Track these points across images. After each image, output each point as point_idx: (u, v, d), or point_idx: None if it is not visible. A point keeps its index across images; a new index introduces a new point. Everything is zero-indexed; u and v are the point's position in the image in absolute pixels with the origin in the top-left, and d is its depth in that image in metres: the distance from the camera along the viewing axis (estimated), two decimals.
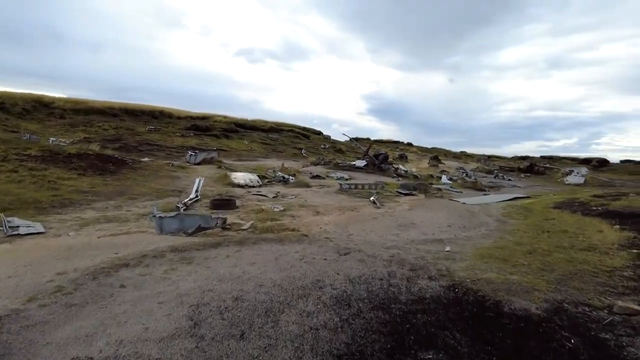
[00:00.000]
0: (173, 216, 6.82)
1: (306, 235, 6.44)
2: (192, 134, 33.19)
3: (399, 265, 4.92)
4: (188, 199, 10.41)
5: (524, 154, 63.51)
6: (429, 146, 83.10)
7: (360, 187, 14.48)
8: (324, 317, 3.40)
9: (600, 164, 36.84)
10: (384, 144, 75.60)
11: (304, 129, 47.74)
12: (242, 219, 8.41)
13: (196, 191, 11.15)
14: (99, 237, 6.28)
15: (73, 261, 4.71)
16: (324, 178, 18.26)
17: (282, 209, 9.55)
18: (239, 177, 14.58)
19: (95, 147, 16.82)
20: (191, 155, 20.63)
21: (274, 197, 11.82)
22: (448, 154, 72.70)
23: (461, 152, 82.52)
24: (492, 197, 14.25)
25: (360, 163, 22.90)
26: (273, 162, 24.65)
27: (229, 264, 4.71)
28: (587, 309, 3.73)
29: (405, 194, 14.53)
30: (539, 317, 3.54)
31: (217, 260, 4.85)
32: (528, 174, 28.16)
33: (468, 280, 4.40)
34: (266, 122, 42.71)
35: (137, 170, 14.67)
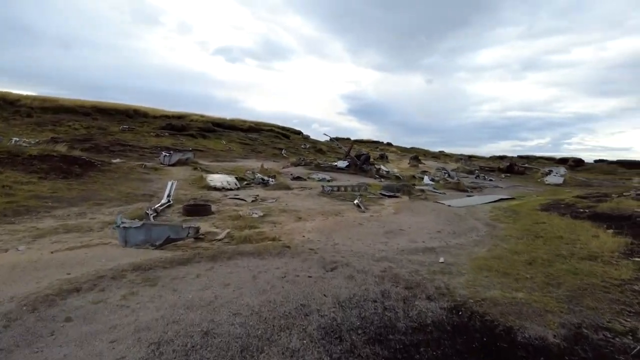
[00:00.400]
0: (139, 226, 6.11)
1: (288, 247, 5.85)
2: (167, 134, 32.01)
3: (392, 282, 4.41)
4: (159, 204, 9.66)
5: (499, 154, 64.68)
6: (408, 146, 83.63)
7: (343, 189, 13.97)
8: (312, 358, 2.84)
9: (576, 163, 37.61)
10: (364, 143, 75.61)
11: (284, 128, 47.01)
12: (217, 227, 7.75)
13: (168, 196, 10.40)
14: (52, 252, 5.52)
15: (12, 286, 3.99)
16: (305, 179, 17.69)
17: (261, 214, 8.93)
18: (216, 179, 13.84)
19: (61, 148, 15.74)
20: (165, 156, 19.69)
21: (252, 201, 11.17)
22: (427, 153, 73.30)
23: (440, 151, 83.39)
24: (477, 199, 13.99)
25: (342, 164, 22.43)
26: (252, 163, 23.90)
27: (199, 286, 4.09)
28: (609, 335, 3.30)
29: (389, 196, 14.11)
30: (559, 348, 3.08)
31: (186, 281, 4.22)
32: (508, 174, 28.34)
33: (471, 301, 3.92)
34: (245, 121, 41.78)
35: (106, 172, 13.73)
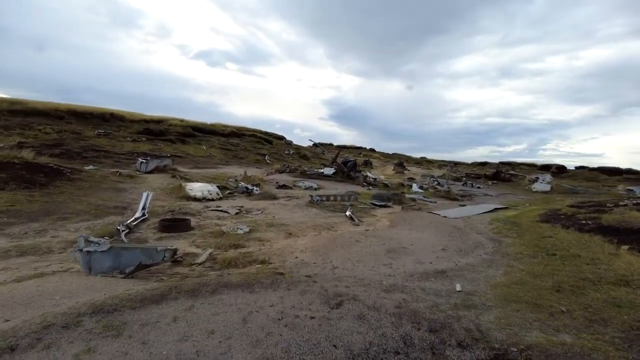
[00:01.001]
0: (106, 250, 5.19)
1: (281, 273, 5.04)
2: (144, 139, 30.64)
3: (412, 322, 3.66)
4: (132, 219, 8.68)
5: (477, 159, 65.32)
6: (390, 151, 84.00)
7: (332, 198, 13.22)
8: None
9: (559, 170, 38.00)
10: (347, 149, 75.40)
11: (267, 133, 46.08)
12: (197, 247, 6.87)
13: (143, 209, 9.41)
14: None
15: None
16: (291, 188, 16.86)
17: (247, 230, 8.07)
18: (196, 188, 12.87)
19: (27, 154, 14.45)
20: (142, 162, 18.55)
21: (236, 213, 10.28)
22: (409, 159, 73.58)
23: (421, 157, 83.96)
24: (471, 209, 13.46)
25: (329, 171, 21.70)
26: (234, 170, 22.92)
27: (176, 335, 3.24)
28: None
29: (380, 206, 13.45)
30: None
31: (160, 328, 3.35)
32: (495, 181, 28.18)
33: (514, 349, 3.19)
34: (226, 126, 40.65)
35: (75, 181, 12.58)
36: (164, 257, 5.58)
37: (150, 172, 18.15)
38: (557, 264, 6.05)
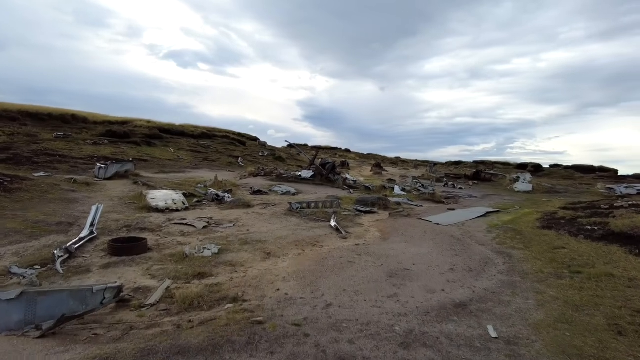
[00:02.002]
0: (15, 298, 3.75)
1: (260, 322, 3.75)
2: (106, 141, 28.44)
3: None
4: (76, 239, 7.15)
5: (449, 158, 65.79)
6: (365, 152, 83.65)
7: (313, 205, 11.97)
8: None
9: (536, 169, 38.17)
10: (322, 150, 74.38)
11: (240, 134, 44.36)
12: (153, 276, 5.47)
13: (91, 225, 7.88)
14: None
15: None
16: (266, 193, 15.49)
17: (215, 250, 6.70)
18: (158, 197, 11.33)
19: None
20: (100, 168, 16.76)
21: (204, 227, 8.86)
22: (385, 159, 73.36)
23: (396, 157, 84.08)
24: (462, 214, 12.53)
25: (307, 174, 20.42)
26: (204, 174, 21.32)
27: None
28: None
29: (365, 212, 12.32)
30: None
31: None
32: (476, 181, 27.67)
33: None
34: (197, 127, 38.68)
35: (13, 192, 10.79)
36: (104, 299, 4.18)
37: (110, 178, 16.40)
38: (593, 288, 5.03)
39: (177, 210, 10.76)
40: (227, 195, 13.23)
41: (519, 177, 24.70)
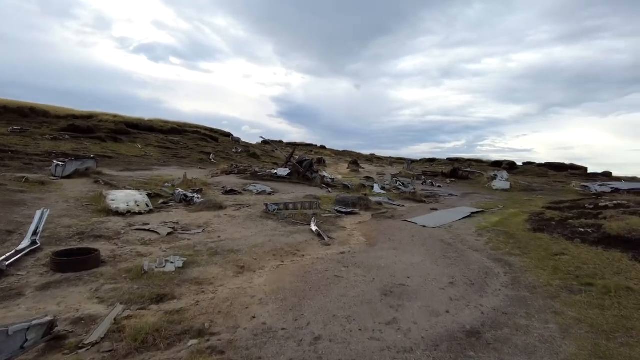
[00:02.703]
0: None
1: None
2: (67, 137, 26.54)
3: None
4: (12, 252, 6.03)
5: (421, 155, 66.30)
6: (340, 149, 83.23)
7: (291, 206, 11.12)
8: None
9: (510, 166, 38.62)
10: (298, 146, 73.42)
11: (212, 130, 42.75)
12: (101, 300, 4.49)
13: (34, 234, 6.75)
14: None
15: None
16: (240, 193, 14.51)
17: (180, 264, 5.75)
18: (119, 198, 10.17)
19: None
20: (57, 165, 15.28)
21: (169, 233, 7.85)
22: (360, 157, 73.15)
23: (371, 154, 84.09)
24: (447, 214, 12.00)
25: (283, 172, 19.50)
26: (173, 172, 20.06)
27: None
28: None
29: (347, 213, 11.59)
30: None
31: None
32: (453, 179, 27.49)
33: None
34: (166, 121, 36.93)
35: None
36: (25, 342, 3.22)
37: (69, 176, 14.97)
38: (615, 306, 4.44)
39: (140, 213, 9.66)
40: (196, 195, 12.18)
41: (496, 175, 24.64)
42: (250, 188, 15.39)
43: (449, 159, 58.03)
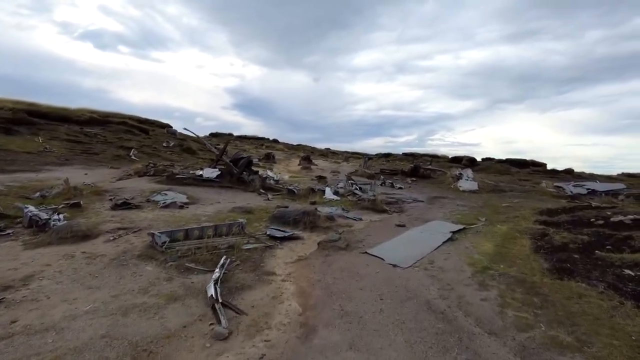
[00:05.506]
0: None
1: None
2: None
3: None
4: None
5: (375, 149, 64.17)
6: (295, 142, 79.59)
7: (196, 233, 7.37)
8: None
9: (471, 162, 36.69)
10: (248, 140, 68.87)
11: (146, 121, 37.35)
12: None
13: None
14: None
15: None
16: (137, 206, 10.47)
17: None
18: None
19: None
20: None
21: None
22: (315, 151, 69.93)
23: (326, 149, 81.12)
24: (422, 240, 8.78)
25: (211, 173, 15.47)
26: (70, 173, 15.47)
27: None
28: None
29: (283, 239, 8.07)
30: None
31: None
32: (414, 178, 24.68)
33: None
34: (84, 110, 31.25)
35: None
36: None
37: None
38: None
39: None
40: (57, 216, 8.10)
41: (461, 175, 22.08)
42: (157, 198, 11.37)
43: (405, 154, 56.07)
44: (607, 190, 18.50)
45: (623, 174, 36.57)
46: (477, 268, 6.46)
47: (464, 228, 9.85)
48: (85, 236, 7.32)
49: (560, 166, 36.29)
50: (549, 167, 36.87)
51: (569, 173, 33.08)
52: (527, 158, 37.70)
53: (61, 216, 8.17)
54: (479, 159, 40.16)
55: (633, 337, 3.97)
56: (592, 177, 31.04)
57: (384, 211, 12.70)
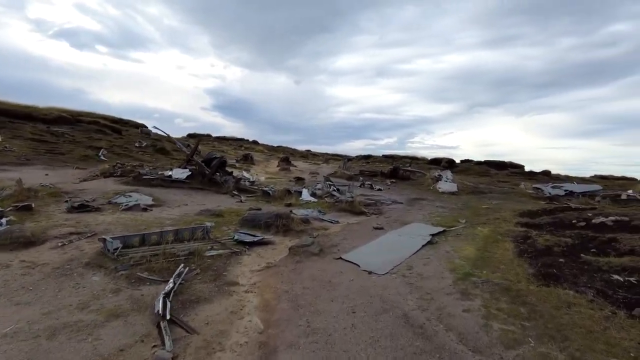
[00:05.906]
0: None
1: None
2: None
3: None
4: None
5: (356, 152, 64.17)
6: (275, 144, 78.75)
7: (154, 239, 6.70)
8: None
9: (450, 164, 36.71)
10: (227, 141, 67.64)
11: (118, 120, 35.98)
12: None
13: None
14: None
15: None
16: (97, 209, 9.69)
17: None
18: None
19: None
20: None
21: None
22: (295, 153, 69.35)
23: (307, 150, 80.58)
24: (399, 243, 8.36)
25: (180, 173, 14.71)
26: (29, 173, 14.45)
27: None
28: None
29: (252, 244, 7.49)
30: None
31: None
32: (394, 180, 24.39)
33: None
34: (52, 109, 29.78)
35: None
36: None
37: None
38: None
39: None
40: (0, 220, 7.29)
41: (440, 176, 21.89)
42: (120, 200, 10.58)
43: (385, 156, 56.00)
44: (584, 192, 18.60)
45: (596, 176, 37.38)
46: (458, 274, 6.02)
47: (444, 230, 9.46)
48: (29, 242, 6.56)
49: (537, 168, 36.84)
50: (526, 169, 37.43)
51: (546, 175, 33.54)
52: (506, 160, 38.19)
53: (4, 220, 7.36)
54: (458, 160, 40.42)
55: (632, 354, 3.56)
56: (568, 178, 31.57)
57: (362, 213, 12.24)
